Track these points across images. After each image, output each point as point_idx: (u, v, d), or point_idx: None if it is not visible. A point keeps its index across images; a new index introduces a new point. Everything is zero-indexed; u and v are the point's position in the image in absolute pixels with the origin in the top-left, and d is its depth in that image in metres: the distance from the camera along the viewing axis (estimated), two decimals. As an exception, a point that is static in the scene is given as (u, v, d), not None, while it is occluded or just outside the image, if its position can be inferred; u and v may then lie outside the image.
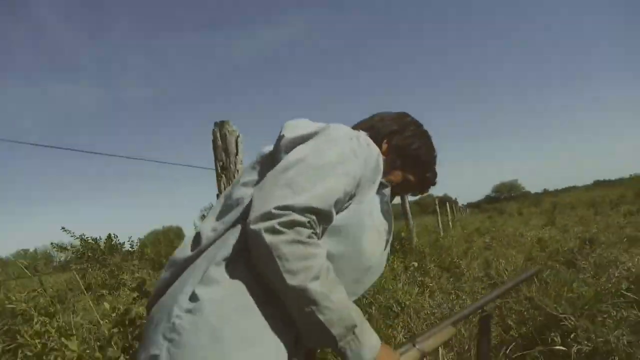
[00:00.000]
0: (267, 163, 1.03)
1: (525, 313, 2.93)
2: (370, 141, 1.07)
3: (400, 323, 3.14)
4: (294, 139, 1.00)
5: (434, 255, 5.92)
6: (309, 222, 0.86)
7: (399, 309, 3.33)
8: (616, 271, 3.53)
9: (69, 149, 2.17)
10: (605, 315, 2.66)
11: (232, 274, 0.89)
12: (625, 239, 5.87)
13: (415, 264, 4.47)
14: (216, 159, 2.07)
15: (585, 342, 2.44)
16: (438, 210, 12.22)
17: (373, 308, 3.20)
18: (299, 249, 0.83)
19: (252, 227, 0.84)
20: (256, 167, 1.06)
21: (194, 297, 0.86)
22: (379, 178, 1.04)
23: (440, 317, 3.30)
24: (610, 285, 3.30)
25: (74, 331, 2.39)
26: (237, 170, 2.06)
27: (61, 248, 8.44)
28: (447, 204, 17.94)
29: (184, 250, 1.01)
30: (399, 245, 5.66)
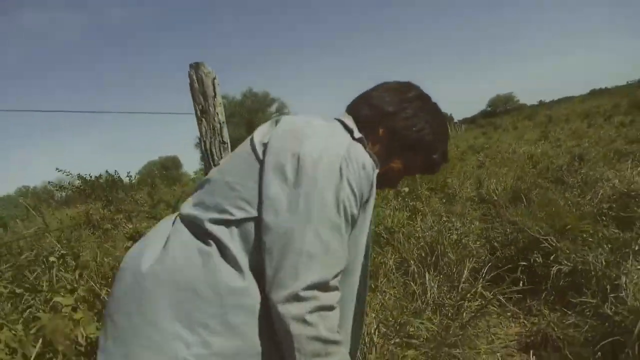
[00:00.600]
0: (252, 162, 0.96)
1: (509, 236, 3.03)
2: (362, 156, 0.95)
3: (390, 250, 3.24)
4: (280, 155, 0.92)
5: (426, 177, 5.96)
6: (334, 290, 0.88)
7: (389, 234, 3.42)
8: (601, 190, 3.60)
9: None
10: (586, 235, 2.76)
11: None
12: (614, 154, 5.93)
13: (407, 189, 4.52)
14: (195, 102, 2.01)
15: (565, 262, 2.55)
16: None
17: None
18: (319, 348, 0.84)
19: (280, 309, 0.83)
20: (248, 158, 0.98)
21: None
22: (374, 193, 1.00)
23: (431, 241, 3.41)
24: (594, 204, 3.38)
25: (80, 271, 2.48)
26: (217, 113, 2.01)
27: (60, 187, 8.46)
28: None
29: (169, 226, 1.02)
30: None
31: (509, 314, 2.57)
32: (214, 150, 2.01)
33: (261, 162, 0.94)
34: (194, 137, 30.55)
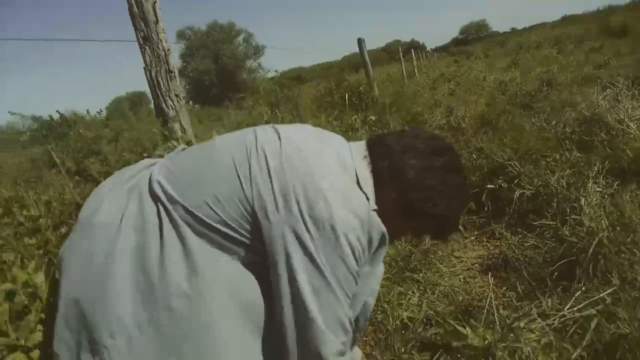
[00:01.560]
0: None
1: (474, 162, 3.02)
2: (377, 235, 0.93)
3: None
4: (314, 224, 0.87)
5: (396, 106, 5.88)
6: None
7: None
8: (566, 114, 3.60)
9: None
10: (549, 160, 2.77)
11: None
12: (582, 79, 5.93)
13: (374, 118, 4.42)
14: (136, 29, 1.83)
15: (528, 186, 2.57)
16: (402, 58, 11.89)
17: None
18: None
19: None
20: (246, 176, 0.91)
21: None
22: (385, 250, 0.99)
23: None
24: (559, 128, 3.39)
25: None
26: (161, 40, 1.84)
27: (19, 133, 8.05)
28: (413, 51, 17.50)
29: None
30: (356, 100, 5.53)
31: (472, 238, 2.61)
32: (160, 80, 1.87)
33: (265, 212, 0.88)
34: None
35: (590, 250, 1.77)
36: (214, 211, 0.88)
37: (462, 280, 2.18)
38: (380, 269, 1.05)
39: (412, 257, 2.20)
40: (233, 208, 0.88)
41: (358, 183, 0.95)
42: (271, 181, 0.88)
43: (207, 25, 30.25)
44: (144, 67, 1.88)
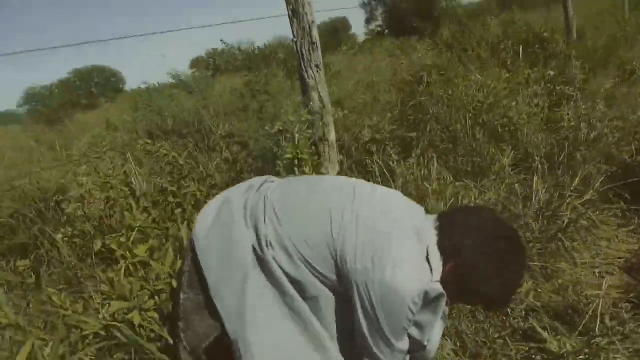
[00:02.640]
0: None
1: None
2: (437, 290, 1.04)
3: (511, 146, 3.00)
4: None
5: (605, 53, 4.92)
6: None
7: (508, 129, 3.14)
8: None
9: None
10: None
11: None
12: None
13: (552, 72, 3.88)
14: (287, 3, 2.04)
15: None
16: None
17: (477, 130, 3.07)
18: None
19: None
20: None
21: None
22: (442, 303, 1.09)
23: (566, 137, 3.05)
24: None
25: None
26: (306, 13, 2.01)
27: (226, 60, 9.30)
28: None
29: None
30: (538, 49, 4.80)
31: (630, 228, 2.31)
32: (303, 51, 2.07)
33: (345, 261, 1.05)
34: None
35: None
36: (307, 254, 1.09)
37: (597, 274, 2.01)
38: (440, 322, 1.15)
39: (547, 238, 2.08)
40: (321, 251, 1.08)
41: (427, 256, 1.05)
42: (357, 234, 1.04)
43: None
44: (292, 39, 2.10)
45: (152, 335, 1.38)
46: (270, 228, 1.09)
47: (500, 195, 2.54)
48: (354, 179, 1.23)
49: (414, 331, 1.08)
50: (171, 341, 1.34)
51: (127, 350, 1.40)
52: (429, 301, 1.04)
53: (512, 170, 2.83)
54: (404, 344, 1.05)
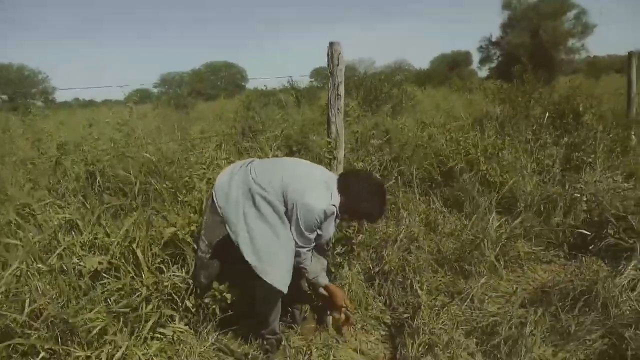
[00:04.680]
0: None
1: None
2: (329, 213, 2.15)
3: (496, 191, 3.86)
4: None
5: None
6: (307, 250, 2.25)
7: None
8: None
9: None
10: None
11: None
12: None
13: (566, 139, 4.47)
14: (329, 74, 3.19)
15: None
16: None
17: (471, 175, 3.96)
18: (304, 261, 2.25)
19: (298, 248, 2.19)
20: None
21: None
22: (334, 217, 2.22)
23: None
24: None
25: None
26: (337, 76, 3.15)
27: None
28: None
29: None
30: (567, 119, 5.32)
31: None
32: (332, 99, 3.20)
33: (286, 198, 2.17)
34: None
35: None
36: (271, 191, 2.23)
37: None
38: (332, 227, 2.27)
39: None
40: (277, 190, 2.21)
41: (331, 193, 2.18)
42: (293, 182, 2.18)
43: (540, -6, 28.26)
44: (328, 90, 3.24)
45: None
46: (254, 179, 2.23)
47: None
48: (302, 160, 2.45)
49: (318, 230, 2.21)
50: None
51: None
52: (327, 216, 2.15)
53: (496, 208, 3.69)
54: (311, 235, 2.17)
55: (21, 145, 5.10)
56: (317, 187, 2.16)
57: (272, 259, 2.11)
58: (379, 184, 2.33)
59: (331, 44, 3.13)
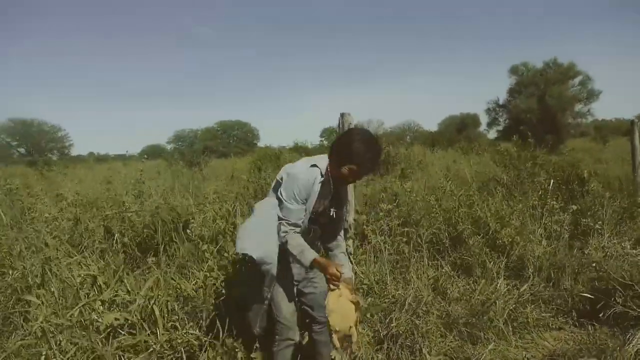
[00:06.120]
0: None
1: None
2: (313, 174, 2.31)
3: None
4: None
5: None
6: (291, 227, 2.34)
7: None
8: None
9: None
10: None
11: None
12: None
13: (575, 207, 4.56)
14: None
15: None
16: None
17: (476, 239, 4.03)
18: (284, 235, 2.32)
19: (279, 221, 2.34)
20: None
21: None
22: (316, 189, 2.33)
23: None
24: None
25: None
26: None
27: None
28: None
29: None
30: (572, 185, 5.45)
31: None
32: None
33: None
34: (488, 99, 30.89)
35: None
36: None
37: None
38: (319, 194, 2.34)
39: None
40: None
41: (314, 165, 2.33)
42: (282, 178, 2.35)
43: (544, 62, 29.28)
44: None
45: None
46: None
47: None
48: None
49: (302, 201, 2.30)
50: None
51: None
52: (309, 180, 2.27)
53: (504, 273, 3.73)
54: (291, 205, 2.27)
55: (43, 200, 5.30)
56: (301, 161, 2.40)
57: (251, 234, 2.28)
58: (365, 129, 2.45)
59: (342, 115, 3.34)
